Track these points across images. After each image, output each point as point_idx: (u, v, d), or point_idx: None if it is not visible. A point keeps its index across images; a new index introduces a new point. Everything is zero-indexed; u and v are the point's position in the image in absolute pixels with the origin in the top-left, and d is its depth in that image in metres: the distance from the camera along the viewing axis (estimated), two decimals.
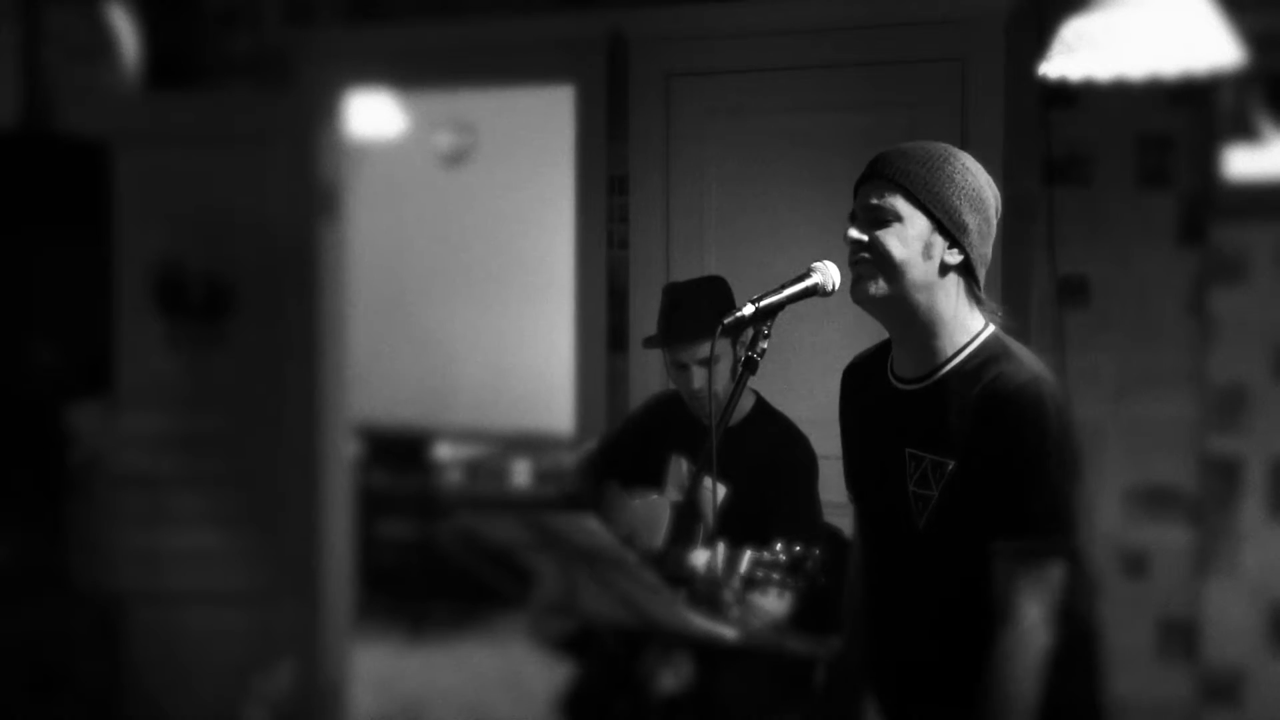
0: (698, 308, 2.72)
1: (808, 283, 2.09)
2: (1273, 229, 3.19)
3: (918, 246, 1.94)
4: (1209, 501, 3.26)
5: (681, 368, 2.76)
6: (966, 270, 1.98)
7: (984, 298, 2.01)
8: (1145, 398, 3.25)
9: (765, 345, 2.09)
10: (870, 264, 1.95)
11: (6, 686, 3.87)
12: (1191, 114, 3.18)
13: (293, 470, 4.15)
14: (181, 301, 4.15)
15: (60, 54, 4.25)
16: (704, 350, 2.68)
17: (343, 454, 4.33)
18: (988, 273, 2.03)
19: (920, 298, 1.95)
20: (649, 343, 2.88)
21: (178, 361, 4.16)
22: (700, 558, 2.56)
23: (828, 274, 2.10)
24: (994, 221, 2.01)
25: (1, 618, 3.92)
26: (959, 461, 1.92)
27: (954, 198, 1.95)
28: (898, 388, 2.04)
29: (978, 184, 1.98)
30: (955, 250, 1.95)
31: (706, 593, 2.49)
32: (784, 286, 2.09)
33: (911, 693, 2.08)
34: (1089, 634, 2.07)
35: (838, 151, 3.23)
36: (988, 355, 1.96)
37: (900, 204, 1.94)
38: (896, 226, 1.94)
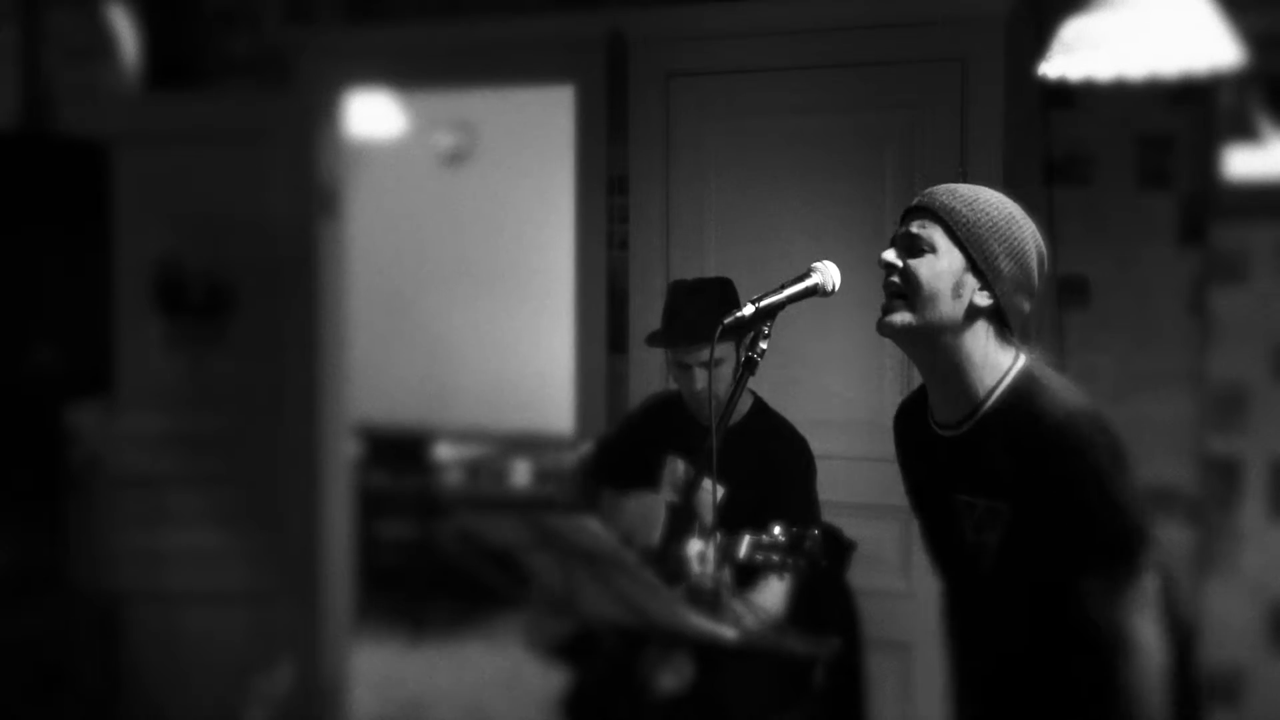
0: (702, 309, 2.70)
1: (808, 283, 2.10)
2: (1273, 229, 3.19)
3: (949, 281, 1.93)
4: (1209, 501, 3.26)
5: (684, 368, 2.75)
6: (997, 317, 1.96)
7: (1015, 341, 1.98)
8: (1145, 398, 3.25)
9: (765, 345, 2.10)
10: (898, 290, 1.95)
11: (6, 686, 3.87)
12: (1191, 114, 3.18)
13: (293, 470, 4.15)
14: (181, 301, 4.15)
15: (60, 54, 4.25)
16: (707, 352, 2.68)
17: (343, 454, 4.33)
18: None
19: (947, 338, 1.94)
20: (652, 340, 2.87)
21: (178, 361, 4.16)
22: (694, 548, 2.55)
23: (828, 274, 2.10)
24: (1034, 275, 1.98)
25: (1, 618, 3.92)
26: (1013, 505, 1.91)
27: (992, 241, 1.94)
28: (939, 434, 2.03)
29: (1020, 235, 1.96)
30: (986, 294, 1.94)
31: (699, 584, 2.48)
32: (784, 286, 2.09)
33: None
34: (1189, 629, 2.05)
35: (838, 151, 3.23)
36: (1022, 393, 1.93)
37: (938, 237, 1.94)
38: (930, 258, 1.94)
